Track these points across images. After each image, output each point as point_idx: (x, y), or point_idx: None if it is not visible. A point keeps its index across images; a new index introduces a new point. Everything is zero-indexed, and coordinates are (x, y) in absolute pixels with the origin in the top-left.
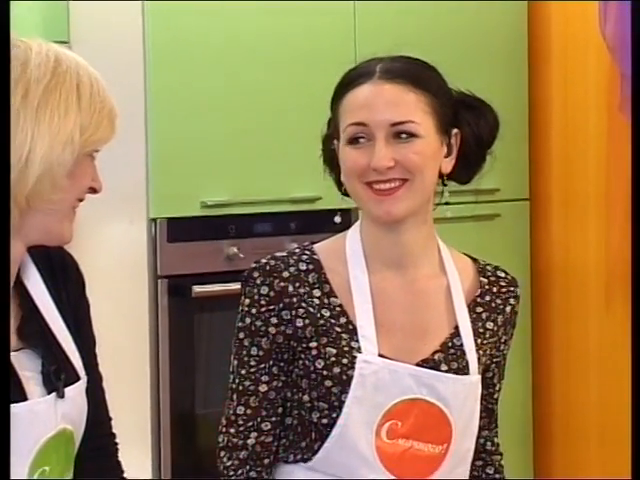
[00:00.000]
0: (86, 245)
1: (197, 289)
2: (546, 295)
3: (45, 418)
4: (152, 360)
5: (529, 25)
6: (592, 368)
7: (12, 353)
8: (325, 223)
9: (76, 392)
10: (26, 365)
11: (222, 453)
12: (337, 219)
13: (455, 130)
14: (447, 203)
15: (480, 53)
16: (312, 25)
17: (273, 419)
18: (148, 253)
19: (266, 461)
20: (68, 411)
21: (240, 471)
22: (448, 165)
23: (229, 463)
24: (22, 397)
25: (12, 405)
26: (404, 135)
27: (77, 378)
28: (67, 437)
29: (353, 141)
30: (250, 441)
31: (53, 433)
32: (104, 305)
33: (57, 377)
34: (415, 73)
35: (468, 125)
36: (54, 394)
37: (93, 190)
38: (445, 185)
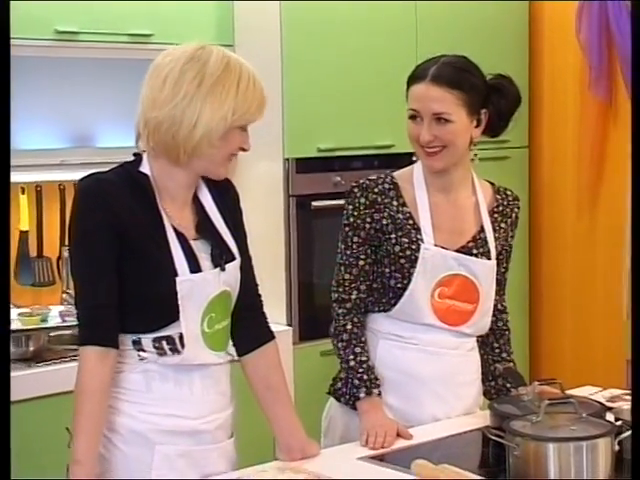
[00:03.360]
0: (245, 175)
1: (314, 204)
2: (539, 207)
3: (212, 283)
4: (286, 250)
5: (530, 22)
6: (568, 251)
7: (192, 241)
8: (396, 162)
9: (233, 267)
10: (201, 249)
11: (334, 304)
12: (414, 158)
13: (484, 110)
14: (475, 146)
15: (495, 42)
16: (386, 17)
17: (367, 283)
18: (283, 180)
19: (363, 310)
20: (227, 279)
21: (347, 316)
22: (477, 132)
23: (340, 311)
24: (198, 270)
25: (192, 274)
26: (442, 120)
27: (234, 258)
28: (226, 295)
29: (412, 118)
30: (353, 296)
31: (217, 292)
32: (255, 215)
33: (220, 257)
34: (454, 78)
35: (493, 105)
36: (218, 268)
37: (242, 149)
38: (475, 145)
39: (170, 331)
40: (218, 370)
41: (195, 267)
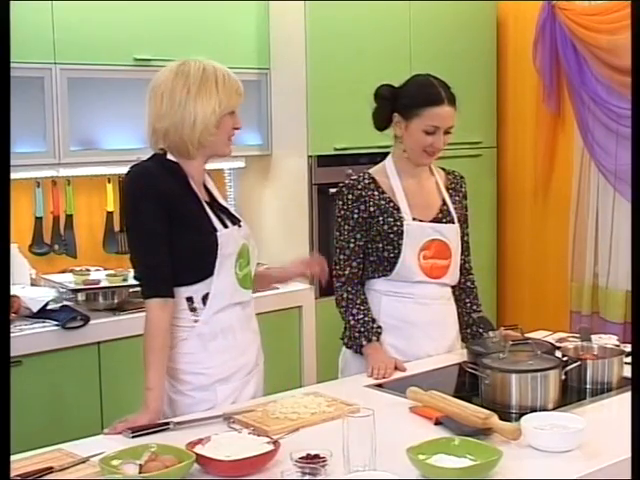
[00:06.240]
0: (279, 169)
1: (331, 190)
2: (504, 193)
3: (237, 237)
4: (309, 226)
5: (497, 51)
6: (526, 227)
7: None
8: None
9: (244, 226)
10: (221, 215)
11: (334, 279)
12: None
13: None
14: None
15: (468, 69)
16: (385, 22)
17: (358, 260)
18: (308, 172)
19: (355, 281)
20: (244, 234)
21: (343, 287)
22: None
23: (337, 284)
24: (226, 227)
25: (225, 229)
26: (449, 132)
27: (240, 222)
28: (247, 247)
29: (429, 132)
30: (346, 272)
31: (241, 244)
32: (286, 199)
33: (235, 218)
34: (454, 98)
35: None
36: (237, 225)
37: (236, 129)
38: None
39: (208, 288)
40: (248, 308)
41: (224, 225)
